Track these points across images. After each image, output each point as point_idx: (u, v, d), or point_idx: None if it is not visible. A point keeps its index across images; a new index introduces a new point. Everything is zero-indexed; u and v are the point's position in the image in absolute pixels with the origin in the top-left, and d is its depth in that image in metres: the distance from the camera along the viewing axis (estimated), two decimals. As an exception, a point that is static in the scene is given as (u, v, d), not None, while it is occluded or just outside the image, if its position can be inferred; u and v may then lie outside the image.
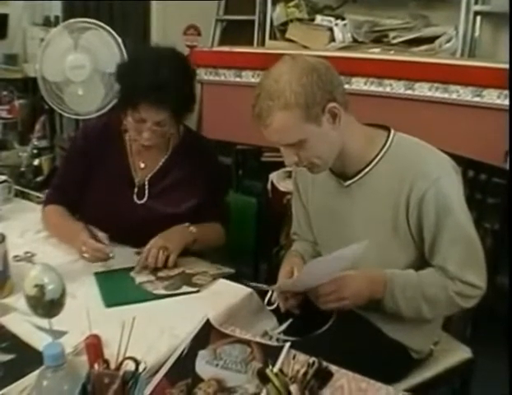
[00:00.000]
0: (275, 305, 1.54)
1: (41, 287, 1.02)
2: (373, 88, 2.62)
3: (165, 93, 1.66)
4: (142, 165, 1.90)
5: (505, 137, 1.90)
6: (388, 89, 2.59)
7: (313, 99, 1.34)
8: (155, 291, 1.57)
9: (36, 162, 2.84)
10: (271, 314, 1.57)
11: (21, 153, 2.80)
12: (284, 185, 2.81)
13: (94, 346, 1.11)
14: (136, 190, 1.89)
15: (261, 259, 2.35)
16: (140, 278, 1.65)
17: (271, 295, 1.56)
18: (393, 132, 1.52)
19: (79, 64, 2.87)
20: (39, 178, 2.77)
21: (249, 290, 1.56)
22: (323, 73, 1.37)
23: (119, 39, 2.88)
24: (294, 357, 1.24)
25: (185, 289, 1.58)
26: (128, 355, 1.04)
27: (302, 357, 1.24)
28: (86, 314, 1.08)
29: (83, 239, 1.67)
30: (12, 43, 3.66)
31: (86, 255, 1.66)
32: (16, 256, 1.72)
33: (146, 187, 1.89)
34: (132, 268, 1.69)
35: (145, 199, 1.88)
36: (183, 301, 1.54)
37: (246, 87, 2.83)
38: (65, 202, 1.92)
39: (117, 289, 1.59)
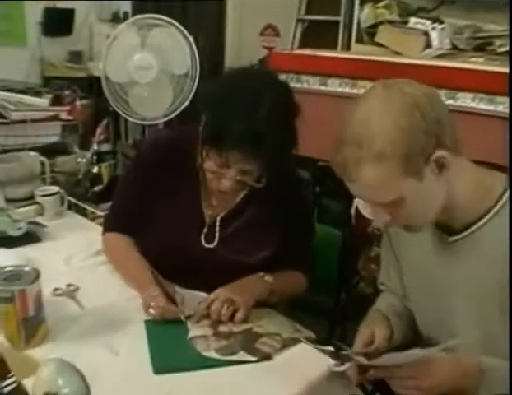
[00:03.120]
0: (345, 368, 1.23)
1: (54, 395, 0.72)
2: (482, 106, 2.22)
3: (263, 141, 1.32)
4: (215, 202, 1.59)
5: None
6: (500, 108, 2.19)
7: (415, 147, 1.05)
8: (204, 352, 1.28)
9: (95, 170, 2.60)
10: (357, 390, 1.28)
11: (80, 159, 2.58)
12: (369, 212, 2.44)
13: None
14: (205, 230, 1.58)
15: (342, 290, 2.12)
16: (194, 331, 1.36)
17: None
18: None
19: (146, 64, 2.68)
20: (96, 188, 2.54)
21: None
22: (428, 110, 1.06)
23: (191, 38, 2.64)
24: None
25: (242, 356, 1.28)
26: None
27: None
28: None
29: (153, 294, 1.40)
30: (78, 39, 3.49)
31: (151, 311, 1.38)
32: (56, 289, 1.49)
33: (217, 228, 1.58)
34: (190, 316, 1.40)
35: (214, 243, 1.57)
36: (252, 371, 1.24)
37: (332, 97, 2.51)
38: (129, 228, 1.63)
39: (169, 346, 1.31)
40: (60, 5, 3.45)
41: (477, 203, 1.18)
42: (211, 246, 1.57)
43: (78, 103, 3.02)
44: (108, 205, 2.49)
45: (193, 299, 1.45)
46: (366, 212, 2.52)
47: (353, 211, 2.62)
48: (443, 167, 1.10)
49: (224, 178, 1.42)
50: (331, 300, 2.05)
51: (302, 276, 1.66)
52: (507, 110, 2.21)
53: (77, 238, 1.85)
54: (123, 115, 2.81)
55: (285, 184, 1.57)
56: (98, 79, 2.95)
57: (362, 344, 1.29)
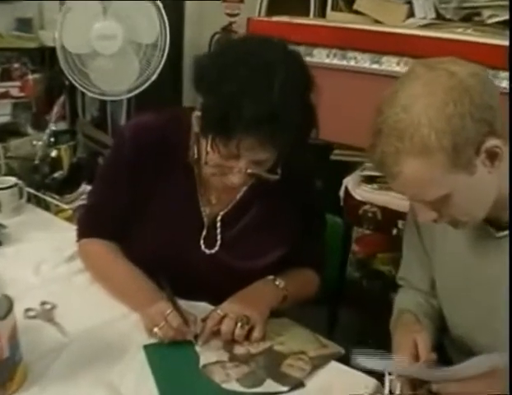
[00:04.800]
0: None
1: None
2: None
3: (281, 123, 1.10)
4: (214, 199, 1.36)
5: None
6: (504, 84, 2.02)
7: (465, 137, 0.95)
8: (224, 384, 1.08)
9: (54, 153, 2.30)
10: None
11: (36, 141, 2.28)
12: (360, 193, 2.27)
13: None
14: (204, 233, 1.35)
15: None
16: (206, 356, 1.15)
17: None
18: None
19: (109, 33, 2.37)
20: (57, 174, 2.25)
21: (375, 381, 1.11)
22: (478, 95, 0.96)
23: (160, 4, 2.35)
24: None
25: (270, 385, 1.09)
26: None
27: None
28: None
29: (165, 313, 1.17)
30: (26, 5, 3.11)
31: (157, 331, 1.16)
32: (28, 310, 1.23)
33: (218, 230, 1.36)
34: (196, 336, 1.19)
35: (216, 248, 1.35)
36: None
37: (319, 69, 2.26)
38: (111, 233, 1.38)
39: (180, 379, 1.10)
40: (2, -35, 3.06)
41: None
42: (213, 251, 1.36)
43: (30, 77, 2.68)
44: (73, 195, 2.23)
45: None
46: (357, 194, 2.37)
47: (342, 193, 2.46)
48: (496, 157, 1.00)
49: (231, 173, 1.18)
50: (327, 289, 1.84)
51: (315, 274, 1.47)
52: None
53: (44, 239, 1.59)
54: (82, 90, 2.50)
55: (294, 171, 1.33)
56: (51, 49, 2.63)
57: (410, 359, 1.12)
